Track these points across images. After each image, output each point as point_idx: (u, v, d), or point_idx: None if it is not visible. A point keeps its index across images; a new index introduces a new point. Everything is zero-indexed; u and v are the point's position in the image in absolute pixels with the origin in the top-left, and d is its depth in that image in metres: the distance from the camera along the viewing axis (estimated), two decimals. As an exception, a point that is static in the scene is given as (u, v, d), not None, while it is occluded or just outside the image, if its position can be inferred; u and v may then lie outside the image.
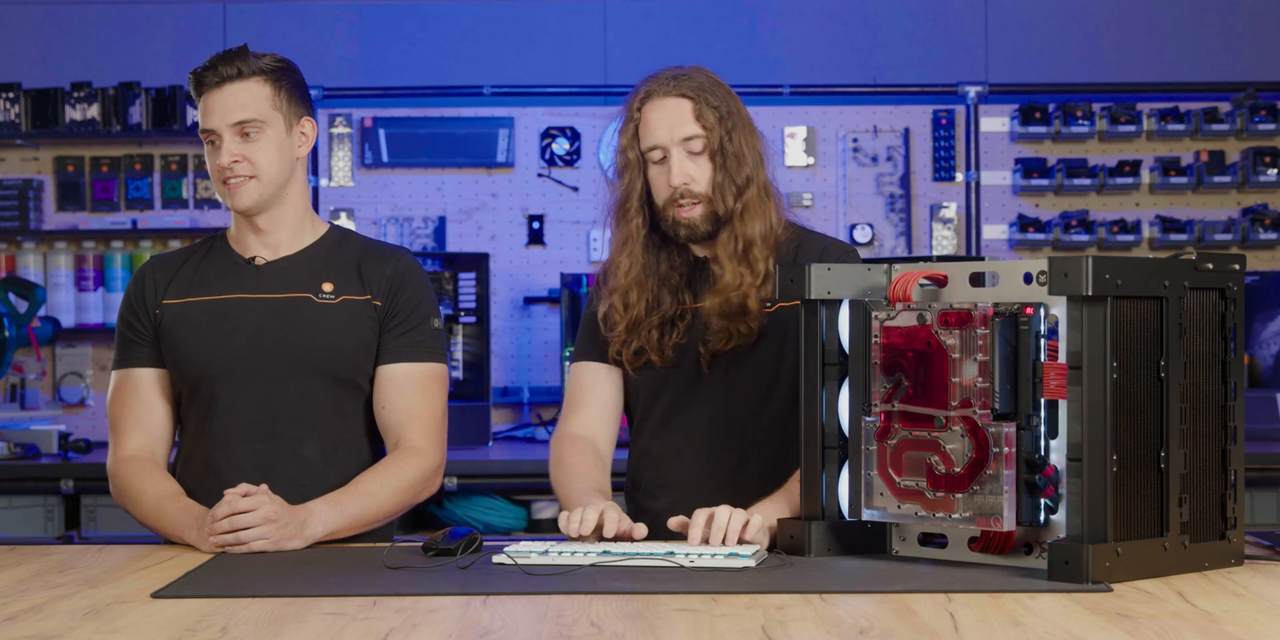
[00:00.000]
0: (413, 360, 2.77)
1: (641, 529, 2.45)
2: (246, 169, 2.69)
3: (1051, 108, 5.51)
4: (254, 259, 2.78)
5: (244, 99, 2.68)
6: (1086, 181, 5.48)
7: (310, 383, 2.73)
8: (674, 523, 2.43)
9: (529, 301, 5.53)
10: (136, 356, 2.78)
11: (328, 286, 2.77)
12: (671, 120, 2.67)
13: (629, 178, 2.73)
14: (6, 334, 4.59)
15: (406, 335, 2.77)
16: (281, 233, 2.78)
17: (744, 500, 2.56)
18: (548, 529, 4.68)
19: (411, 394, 2.76)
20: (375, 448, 2.82)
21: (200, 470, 2.73)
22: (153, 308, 2.77)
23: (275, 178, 2.72)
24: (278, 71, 2.72)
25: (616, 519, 2.44)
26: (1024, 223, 5.47)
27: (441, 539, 2.39)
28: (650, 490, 2.78)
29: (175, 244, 5.44)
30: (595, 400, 2.80)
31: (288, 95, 2.73)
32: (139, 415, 2.76)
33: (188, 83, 2.74)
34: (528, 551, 2.31)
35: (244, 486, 2.51)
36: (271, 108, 2.70)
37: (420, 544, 2.44)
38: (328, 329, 2.74)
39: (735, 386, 2.71)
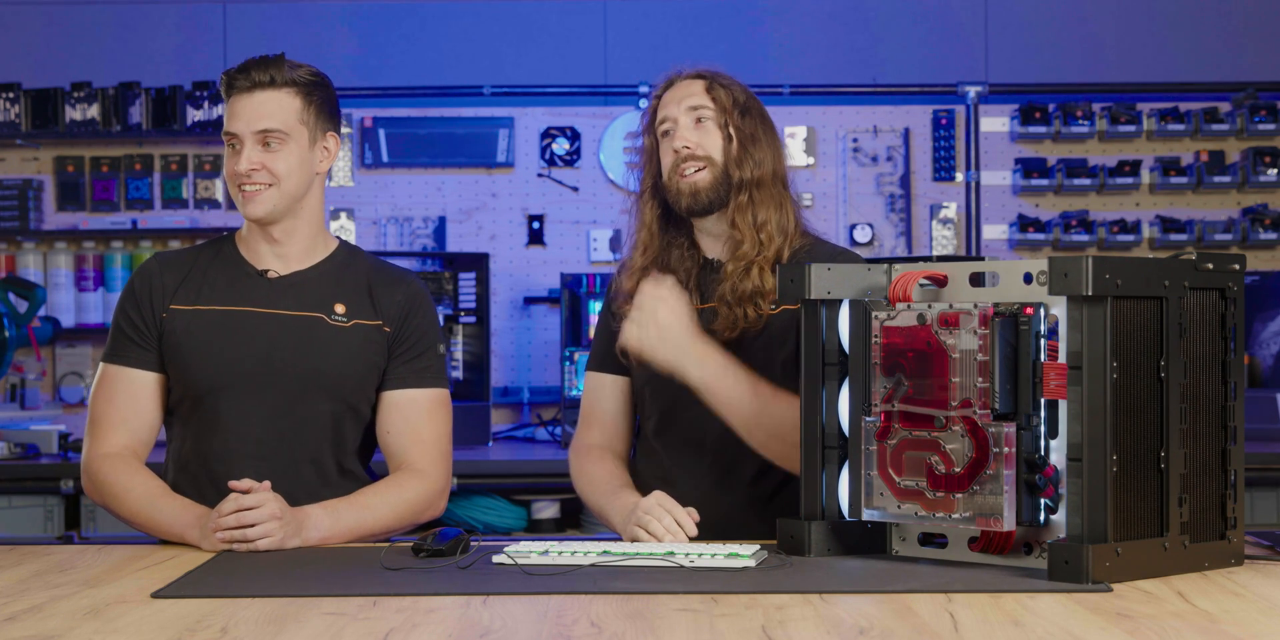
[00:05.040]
0: (419, 386, 2.77)
1: (692, 513, 2.52)
2: (264, 177, 2.68)
3: (1051, 108, 5.51)
4: (266, 272, 2.77)
5: (272, 108, 2.68)
6: (1086, 181, 5.48)
7: (317, 405, 2.72)
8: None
9: (529, 301, 5.53)
10: (133, 356, 2.75)
11: (340, 308, 2.76)
12: (683, 94, 2.73)
13: (644, 164, 2.78)
14: (6, 334, 4.59)
15: (413, 361, 2.77)
16: (295, 245, 2.77)
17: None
18: (547, 529, 4.68)
19: (417, 419, 2.76)
20: (366, 474, 2.82)
21: (197, 483, 2.71)
22: (159, 310, 2.74)
23: (292, 190, 2.71)
24: (310, 85, 2.71)
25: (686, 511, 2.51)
26: (1024, 223, 5.47)
27: (431, 540, 2.39)
28: (653, 486, 2.78)
29: (175, 244, 5.44)
30: (607, 411, 2.85)
31: (316, 110, 2.72)
32: (125, 414, 2.74)
33: (219, 82, 2.72)
34: (528, 551, 2.31)
35: (247, 482, 2.52)
36: (298, 121, 2.70)
37: (410, 545, 2.44)
38: (339, 353, 2.73)
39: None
